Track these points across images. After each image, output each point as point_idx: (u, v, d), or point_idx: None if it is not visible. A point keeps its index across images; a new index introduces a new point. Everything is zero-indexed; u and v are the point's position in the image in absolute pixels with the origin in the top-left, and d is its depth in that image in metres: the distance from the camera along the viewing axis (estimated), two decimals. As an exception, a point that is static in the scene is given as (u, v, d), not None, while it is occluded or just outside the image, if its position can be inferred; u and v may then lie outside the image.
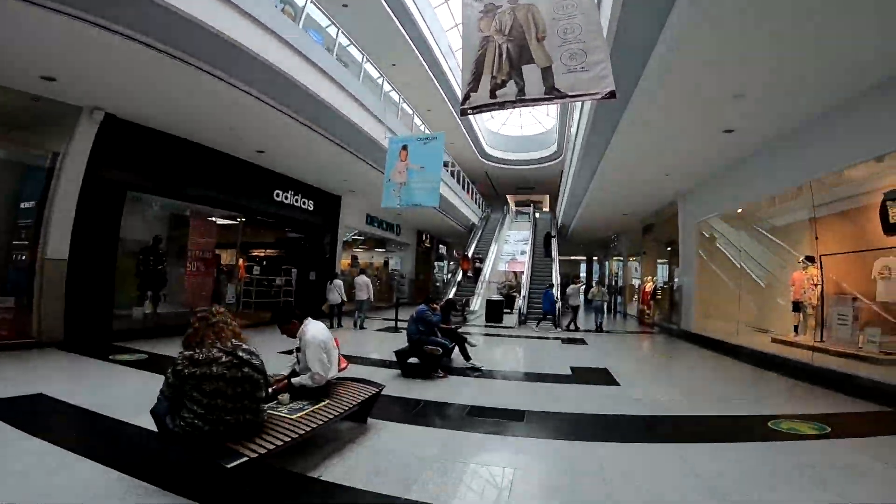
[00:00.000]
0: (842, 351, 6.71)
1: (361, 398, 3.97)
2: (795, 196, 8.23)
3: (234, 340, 3.00)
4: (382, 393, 5.11)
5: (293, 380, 3.78)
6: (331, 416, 3.52)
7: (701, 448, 3.86)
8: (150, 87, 7.07)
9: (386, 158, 9.62)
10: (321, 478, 3.29)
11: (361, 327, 11.84)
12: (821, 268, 7.58)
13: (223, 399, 2.78)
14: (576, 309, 14.06)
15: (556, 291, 14.80)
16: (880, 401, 5.12)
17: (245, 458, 2.69)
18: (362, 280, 12.20)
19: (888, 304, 6.42)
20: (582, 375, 7.03)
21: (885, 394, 5.27)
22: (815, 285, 7.67)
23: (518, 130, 32.95)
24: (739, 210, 9.77)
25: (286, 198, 12.17)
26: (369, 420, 4.42)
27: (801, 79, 5.75)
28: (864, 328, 6.59)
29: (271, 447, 2.89)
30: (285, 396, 3.66)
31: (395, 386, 6.00)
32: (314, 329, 3.89)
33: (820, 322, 7.64)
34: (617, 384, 6.41)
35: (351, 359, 7.80)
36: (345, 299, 11.83)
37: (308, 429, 3.25)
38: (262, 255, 14.95)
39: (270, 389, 3.71)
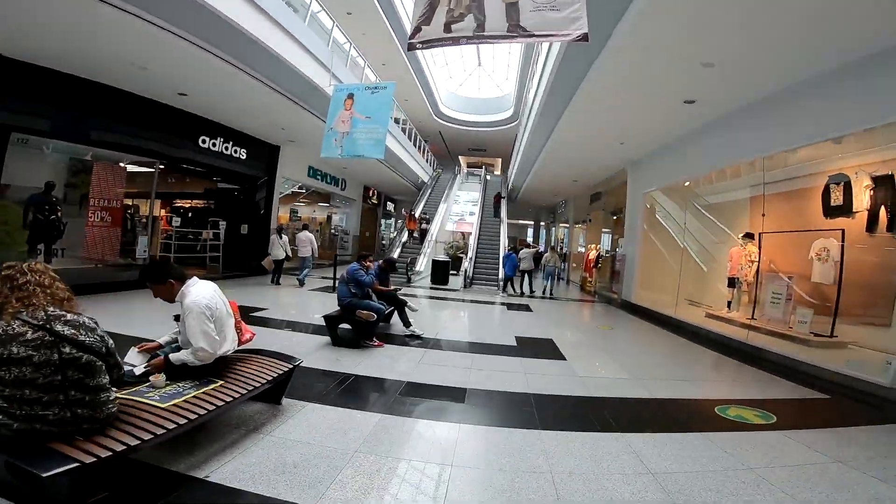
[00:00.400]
0: (773, 330, 6.67)
1: (268, 378, 3.19)
2: (738, 174, 8.12)
3: (51, 309, 2.09)
4: (306, 366, 4.43)
5: (172, 357, 2.93)
6: (220, 404, 2.73)
7: (652, 439, 3.45)
8: (38, 23, 5.85)
9: (329, 106, 8.67)
10: (208, 478, 2.59)
11: (300, 284, 11.18)
12: (759, 245, 7.48)
13: (32, 389, 1.95)
14: (528, 273, 13.65)
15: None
16: (816, 386, 4.98)
17: (74, 465, 1.95)
18: (305, 236, 11.49)
19: (821, 285, 6.34)
20: (527, 347, 6.58)
21: (819, 379, 5.18)
22: (753, 262, 7.59)
23: (475, 92, 32.01)
24: (687, 183, 9.57)
25: (214, 145, 10.80)
26: (284, 401, 3.70)
27: (771, 54, 5.45)
28: (796, 308, 6.50)
29: (121, 448, 2.12)
30: (160, 378, 2.81)
31: (323, 356, 5.28)
32: (198, 292, 2.97)
33: (753, 299, 7.61)
34: (562, 358, 5.99)
35: (277, 323, 7.06)
36: (290, 255, 11.15)
37: (184, 421, 2.49)
38: (189, 205, 13.46)
39: (144, 367, 2.86)
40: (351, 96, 8.50)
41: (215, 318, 2.94)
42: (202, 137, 10.47)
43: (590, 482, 2.78)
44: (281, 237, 11.03)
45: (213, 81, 8.17)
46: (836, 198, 6.05)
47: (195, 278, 3.03)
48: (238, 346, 3.34)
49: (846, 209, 5.93)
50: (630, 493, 2.68)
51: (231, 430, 3.17)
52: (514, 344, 6.73)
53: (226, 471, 2.68)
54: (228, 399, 2.79)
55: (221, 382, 2.96)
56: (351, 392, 4.21)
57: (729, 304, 8.21)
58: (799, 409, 4.35)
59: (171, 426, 2.41)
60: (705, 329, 7.87)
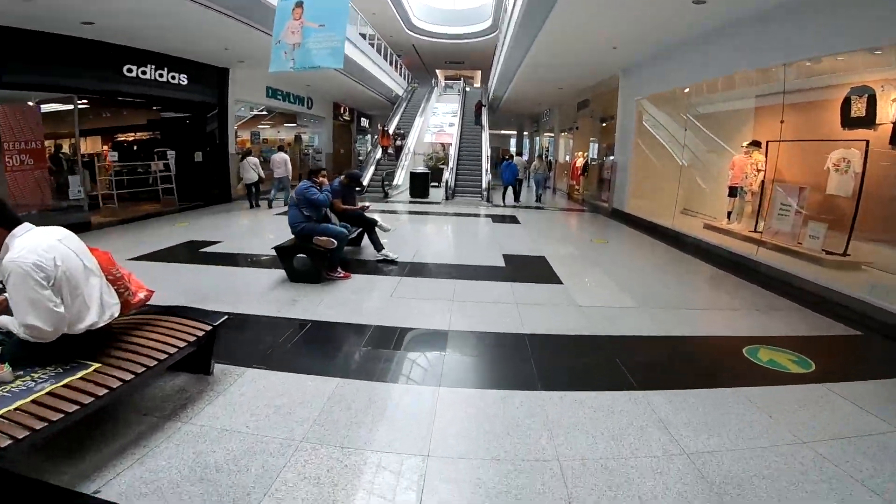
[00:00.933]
0: (780, 245, 6.00)
1: (170, 351, 2.26)
2: (744, 82, 7.17)
3: None
4: (253, 313, 3.69)
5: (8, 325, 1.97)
6: (86, 403, 1.83)
7: (679, 399, 2.68)
8: None
9: (274, 18, 7.41)
10: (98, 495, 1.82)
11: (270, 207, 10.63)
12: (766, 154, 6.69)
13: None
14: (519, 182, 12.98)
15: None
16: (837, 314, 4.21)
17: None
18: (280, 157, 10.92)
19: (836, 198, 5.63)
20: (518, 267, 5.75)
21: (832, 303, 4.49)
22: (759, 171, 6.83)
23: (451, 3, 28.60)
24: (687, 90, 8.40)
25: (144, 73, 9.22)
26: (216, 367, 2.81)
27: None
28: (808, 223, 5.78)
29: None
30: (4, 371, 1.87)
31: (276, 298, 4.36)
32: (23, 245, 1.88)
33: (757, 210, 6.99)
34: (559, 282, 5.17)
35: (228, 258, 5.95)
36: (262, 176, 10.59)
37: (24, 434, 1.61)
38: (133, 139, 12.13)
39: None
40: (300, 4, 7.28)
41: (57, 281, 1.90)
42: (127, 67, 8.91)
43: (611, 473, 2.02)
44: (247, 160, 10.30)
45: (119, 4, 6.51)
46: (858, 109, 5.36)
47: (27, 225, 1.92)
48: (128, 310, 2.38)
49: (868, 121, 5.26)
50: (663, 488, 1.93)
51: (139, 419, 2.32)
52: (503, 265, 5.89)
53: (123, 482, 1.89)
54: (101, 393, 1.86)
55: (97, 366, 2.02)
56: (304, 346, 3.36)
57: (729, 214, 7.53)
58: (834, 351, 3.59)
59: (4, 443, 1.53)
60: (706, 242, 7.18)
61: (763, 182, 6.73)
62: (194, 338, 2.40)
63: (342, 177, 5.97)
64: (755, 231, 6.73)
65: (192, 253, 6.19)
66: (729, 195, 7.43)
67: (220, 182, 11.31)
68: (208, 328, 2.52)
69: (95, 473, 1.93)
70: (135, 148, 11.44)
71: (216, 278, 4.95)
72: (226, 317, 2.72)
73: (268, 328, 3.61)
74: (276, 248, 4.78)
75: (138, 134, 12.20)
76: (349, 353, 3.26)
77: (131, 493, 1.83)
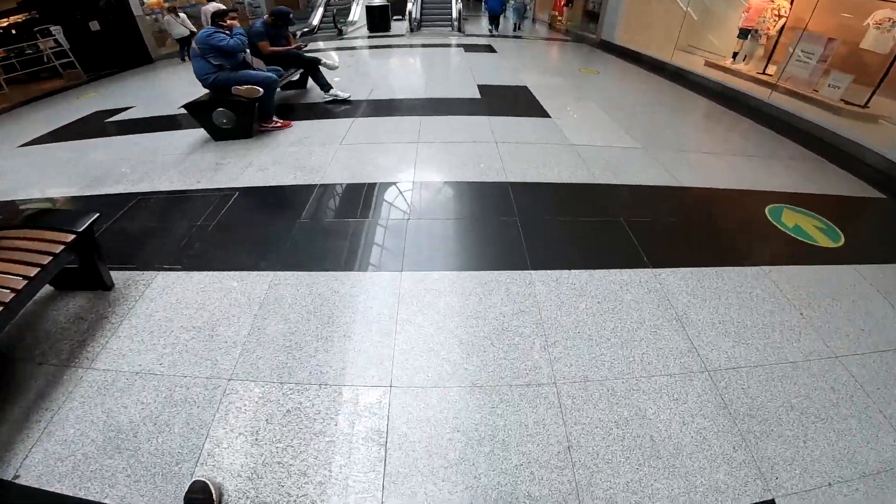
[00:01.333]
0: (792, 90, 5.35)
1: (17, 288, 1.52)
2: None
3: None
4: (165, 188, 2.97)
5: None
6: None
7: (699, 283, 2.16)
8: None
9: None
10: (17, 480, 1.37)
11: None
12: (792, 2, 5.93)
13: None
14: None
15: None
16: (858, 173, 3.60)
17: None
18: (213, 6, 9.29)
19: (867, 53, 5.00)
20: (496, 99, 4.88)
21: (859, 162, 3.83)
22: (780, 17, 6.15)
23: None
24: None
25: None
26: (117, 277, 2.14)
27: None
28: (829, 72, 5.14)
29: None
30: None
31: (194, 165, 3.45)
32: None
33: (770, 54, 6.32)
34: (545, 115, 4.37)
35: (142, 124, 4.68)
36: (193, 30, 9.36)
37: None
38: (7, 24, 10.16)
39: None
40: None
41: None
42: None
43: (619, 401, 1.58)
44: (178, 16, 9.36)
45: None
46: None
47: None
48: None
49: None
50: (680, 423, 1.52)
51: (34, 370, 1.70)
52: (478, 96, 4.99)
53: (36, 460, 1.41)
54: None
55: None
56: (228, 230, 2.58)
57: (735, 55, 6.74)
58: (859, 218, 3.01)
59: None
60: (708, 79, 6.34)
61: (783, 28, 6.08)
62: (51, 257, 1.63)
63: (266, 16, 4.66)
64: (764, 73, 6.12)
65: (95, 125, 4.92)
66: (739, 36, 6.67)
67: (133, 46, 9.74)
68: (69, 239, 1.73)
69: (10, 452, 1.42)
70: (13, 32, 9.83)
71: (122, 151, 3.89)
72: (96, 216, 1.90)
73: (182, 209, 2.80)
74: (187, 106, 3.70)
75: (12, 18, 10.36)
76: (285, 233, 2.52)
77: (49, 475, 1.36)
